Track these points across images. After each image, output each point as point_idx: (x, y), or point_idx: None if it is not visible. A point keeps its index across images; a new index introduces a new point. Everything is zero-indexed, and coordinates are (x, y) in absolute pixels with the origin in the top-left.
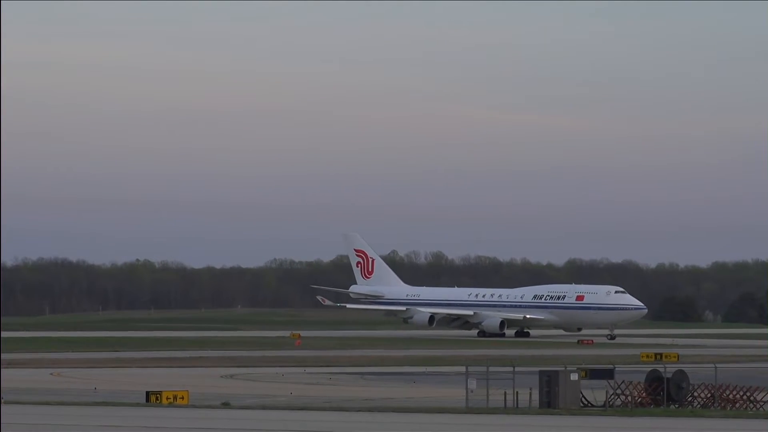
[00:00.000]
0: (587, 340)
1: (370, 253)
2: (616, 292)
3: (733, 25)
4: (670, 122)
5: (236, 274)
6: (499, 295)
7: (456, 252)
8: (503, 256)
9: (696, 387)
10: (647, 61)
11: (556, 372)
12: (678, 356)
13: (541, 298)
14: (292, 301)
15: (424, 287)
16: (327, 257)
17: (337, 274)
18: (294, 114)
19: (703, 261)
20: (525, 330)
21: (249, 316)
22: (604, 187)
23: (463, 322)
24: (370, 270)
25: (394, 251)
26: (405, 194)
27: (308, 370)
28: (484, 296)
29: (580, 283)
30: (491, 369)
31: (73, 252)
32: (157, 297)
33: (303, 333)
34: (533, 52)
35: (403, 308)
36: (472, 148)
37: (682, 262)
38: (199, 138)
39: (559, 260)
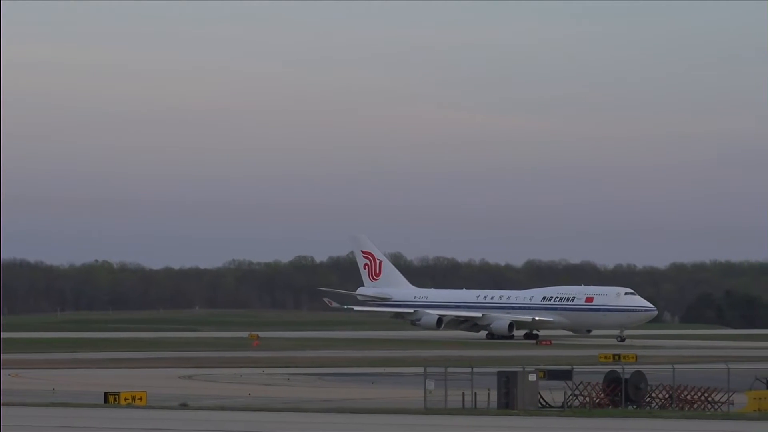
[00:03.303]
0: (546, 341)
1: (378, 255)
2: (626, 293)
3: (703, 28)
4: (629, 123)
5: (194, 274)
6: (508, 297)
7: (414, 253)
8: (461, 257)
9: (654, 388)
10: (615, 62)
11: (515, 373)
12: (636, 357)
13: (550, 300)
14: (250, 301)
15: (432, 289)
16: (285, 258)
17: (296, 275)
18: (254, 114)
19: (661, 262)
20: (534, 332)
21: (207, 317)
22: (561, 188)
23: (471, 325)
24: (377, 272)
25: (352, 252)
26: (362, 195)
27: (266, 370)
28: (492, 298)
29: (538, 285)
30: (450, 370)
31: (31, 253)
32: (116, 298)
33: (261, 333)
34: (489, 53)
35: (411, 310)
36: (429, 149)
37: (640, 263)
38: (156, 137)
39: (518, 261)
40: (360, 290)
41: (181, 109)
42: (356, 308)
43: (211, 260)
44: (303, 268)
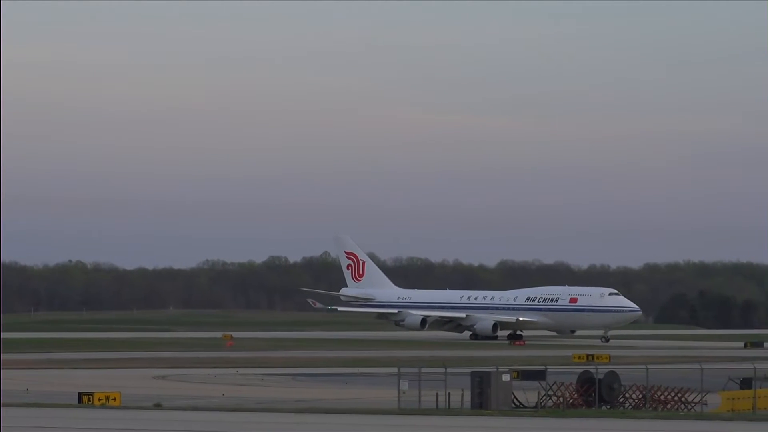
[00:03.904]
0: (519, 341)
1: (361, 256)
2: (610, 294)
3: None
4: (601, 123)
5: (168, 275)
6: (492, 298)
7: (387, 253)
8: (435, 258)
9: (627, 388)
10: (577, 63)
11: (488, 373)
12: (609, 357)
13: (534, 301)
14: (224, 302)
15: (416, 290)
16: (259, 258)
17: (269, 275)
18: (218, 114)
19: (635, 262)
20: (518, 333)
21: (181, 317)
22: (534, 188)
23: (455, 325)
24: (360, 272)
25: (326, 252)
26: (335, 195)
27: (240, 371)
28: (476, 299)
29: (512, 285)
30: (424, 370)
31: (5, 253)
32: (90, 298)
33: (235, 334)
34: (460, 53)
35: (395, 311)
36: (401, 149)
37: (614, 263)
38: (128, 137)
39: (491, 262)
40: (343, 291)
41: (142, 110)
42: (340, 309)
43: (185, 260)
44: (277, 268)
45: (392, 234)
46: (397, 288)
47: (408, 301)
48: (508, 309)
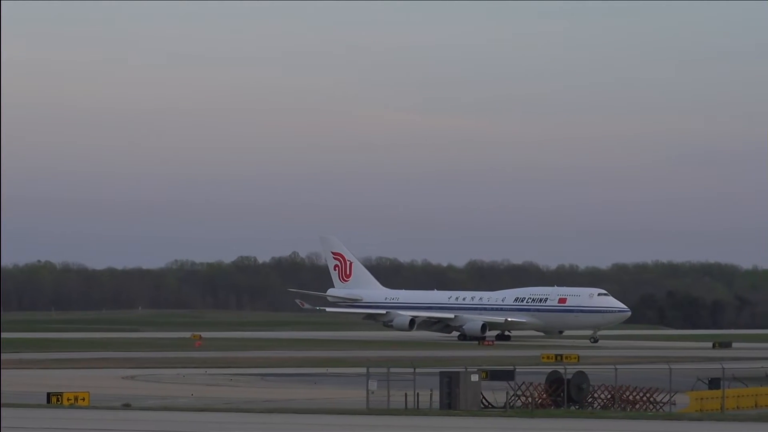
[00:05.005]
0: (488, 341)
1: (348, 256)
2: (599, 294)
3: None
4: (568, 124)
5: (137, 275)
6: (480, 298)
7: (356, 253)
8: (404, 258)
9: (596, 388)
10: (551, 63)
11: (457, 373)
12: (578, 357)
13: (522, 301)
14: (193, 302)
15: (403, 290)
16: (228, 258)
17: (238, 275)
18: (186, 115)
19: (603, 262)
20: (506, 333)
21: (150, 317)
22: (502, 189)
23: (443, 326)
24: (347, 273)
25: (294, 252)
26: (303, 195)
27: (209, 371)
28: (464, 299)
29: (481, 285)
30: (393, 370)
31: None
32: (59, 298)
33: (204, 334)
34: (431, 53)
35: (383, 311)
36: (369, 149)
37: (582, 263)
38: (96, 136)
39: (460, 262)
40: (330, 291)
41: (115, 110)
42: (329, 309)
43: (154, 260)
44: (246, 268)
45: (360, 234)
46: (385, 288)
47: (396, 301)
48: (497, 309)
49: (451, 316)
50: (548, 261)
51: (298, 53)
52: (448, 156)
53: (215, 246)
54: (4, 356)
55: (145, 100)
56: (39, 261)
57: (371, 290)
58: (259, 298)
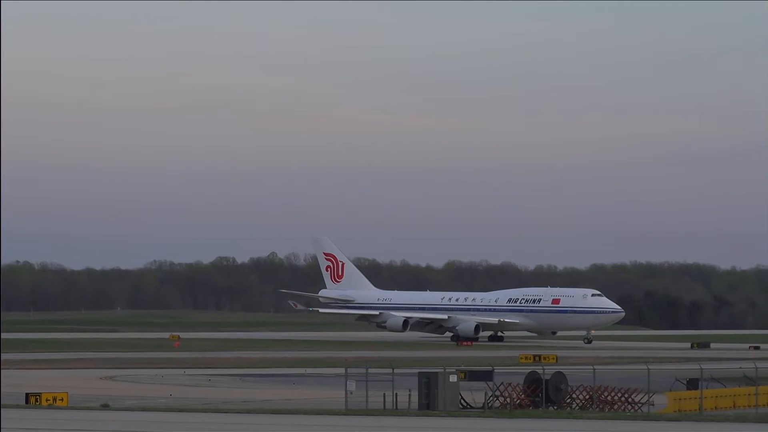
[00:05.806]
0: (467, 342)
1: (340, 257)
2: (592, 295)
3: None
4: (551, 126)
5: (116, 275)
6: (473, 299)
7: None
8: (382, 258)
9: (575, 389)
10: (538, 63)
11: (435, 373)
12: (557, 358)
13: (516, 302)
14: (171, 302)
15: (395, 291)
16: (207, 258)
17: (217, 276)
18: (160, 114)
19: (582, 263)
20: (499, 334)
21: (129, 318)
22: (480, 190)
23: (437, 327)
24: (340, 274)
25: (273, 253)
26: (282, 195)
27: (188, 371)
28: (458, 300)
29: (459, 286)
30: (371, 371)
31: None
32: (37, 299)
33: (182, 334)
34: (417, 54)
35: (376, 312)
36: (347, 149)
37: (561, 263)
38: (77, 136)
39: (438, 262)
40: (322, 292)
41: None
42: (322, 310)
43: (132, 261)
44: (224, 269)
45: (339, 235)
46: (377, 289)
47: (388, 302)
48: (490, 310)
49: (445, 317)
50: (527, 261)
51: (290, 53)
52: (426, 158)
53: (194, 246)
54: None
55: (122, 98)
56: (17, 261)
57: (364, 291)
58: (238, 299)
